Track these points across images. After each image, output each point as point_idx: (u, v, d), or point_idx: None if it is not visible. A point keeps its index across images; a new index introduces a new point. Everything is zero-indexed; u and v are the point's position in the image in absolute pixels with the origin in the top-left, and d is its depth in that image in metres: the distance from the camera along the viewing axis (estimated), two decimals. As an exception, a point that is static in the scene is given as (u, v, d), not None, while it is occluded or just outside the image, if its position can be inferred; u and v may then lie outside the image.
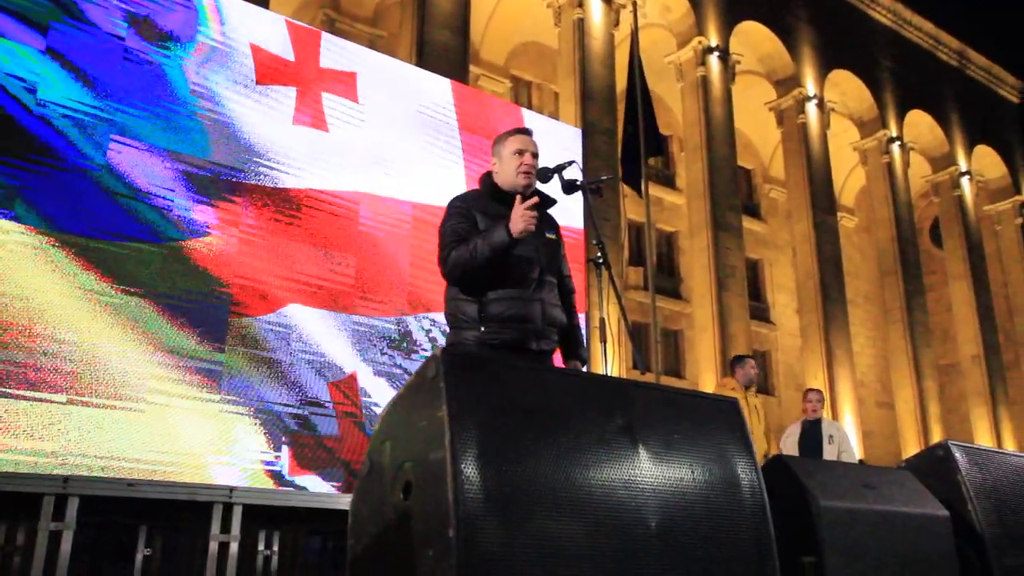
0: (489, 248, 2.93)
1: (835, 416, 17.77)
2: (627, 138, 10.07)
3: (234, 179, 5.70)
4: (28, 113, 4.99)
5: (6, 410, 4.51)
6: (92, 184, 5.11)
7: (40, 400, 4.63)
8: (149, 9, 5.62)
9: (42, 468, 4.53)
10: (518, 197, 2.98)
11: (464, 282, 3.04)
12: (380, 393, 5.92)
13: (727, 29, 19.81)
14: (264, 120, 5.96)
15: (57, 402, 4.68)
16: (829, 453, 6.86)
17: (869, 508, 2.84)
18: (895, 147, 23.39)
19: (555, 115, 17.07)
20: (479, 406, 1.98)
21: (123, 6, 5.51)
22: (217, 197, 5.58)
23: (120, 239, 5.12)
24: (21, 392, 4.58)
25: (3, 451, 4.47)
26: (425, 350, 6.30)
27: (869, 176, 23.82)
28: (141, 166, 5.31)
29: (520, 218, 2.90)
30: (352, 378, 5.88)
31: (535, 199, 2.96)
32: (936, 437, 20.41)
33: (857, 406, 19.11)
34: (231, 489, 4.96)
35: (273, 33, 6.21)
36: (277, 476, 5.35)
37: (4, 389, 4.52)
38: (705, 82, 18.97)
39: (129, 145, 5.30)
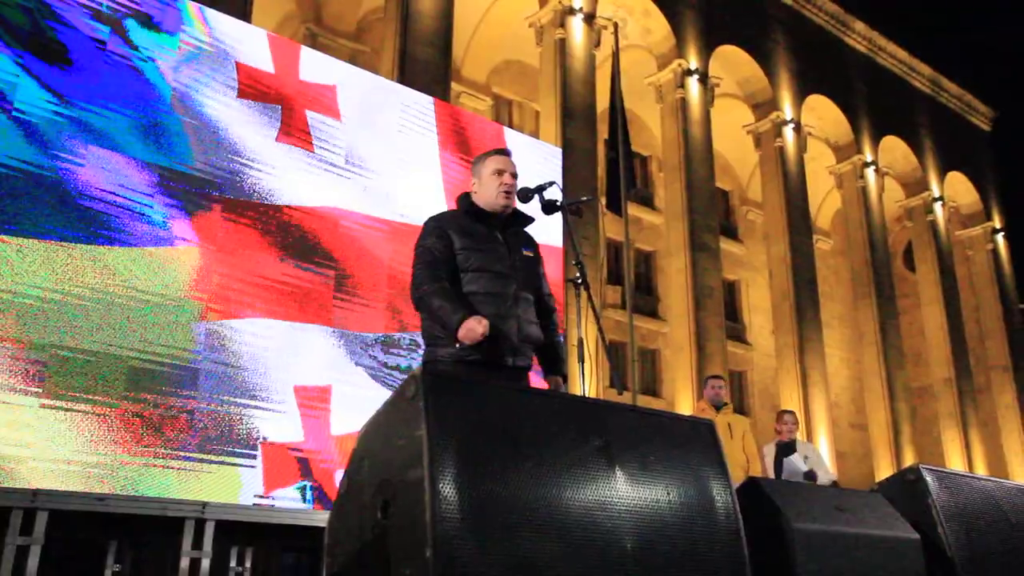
0: (443, 323, 2.95)
1: (809, 437, 17.89)
2: (609, 163, 10.22)
3: (212, 189, 5.68)
4: (4, 115, 4.95)
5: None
6: (64, 187, 5.07)
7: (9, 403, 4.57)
8: (131, 13, 5.61)
9: (9, 471, 4.46)
10: (480, 326, 2.88)
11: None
12: (355, 408, 5.89)
13: (707, 52, 20.06)
14: (245, 131, 5.95)
15: (29, 406, 4.62)
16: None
17: (842, 531, 2.87)
18: (870, 172, 23.75)
19: (535, 133, 17.16)
20: (458, 426, 1.98)
21: (103, 9, 5.49)
22: (194, 205, 5.55)
23: (91, 242, 5.09)
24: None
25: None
26: (402, 366, 6.29)
27: (844, 200, 24.14)
28: (117, 170, 5.28)
29: (467, 332, 2.86)
30: (326, 391, 5.86)
31: (481, 339, 2.87)
32: (908, 458, 20.59)
33: (831, 427, 19.26)
34: (203, 504, 4.91)
35: (254, 46, 6.22)
36: (248, 487, 5.30)
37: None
38: (684, 104, 19.18)
39: (105, 148, 5.27)
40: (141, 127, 5.45)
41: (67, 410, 4.73)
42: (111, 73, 5.43)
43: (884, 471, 20.29)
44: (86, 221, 5.09)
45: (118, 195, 5.24)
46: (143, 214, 5.31)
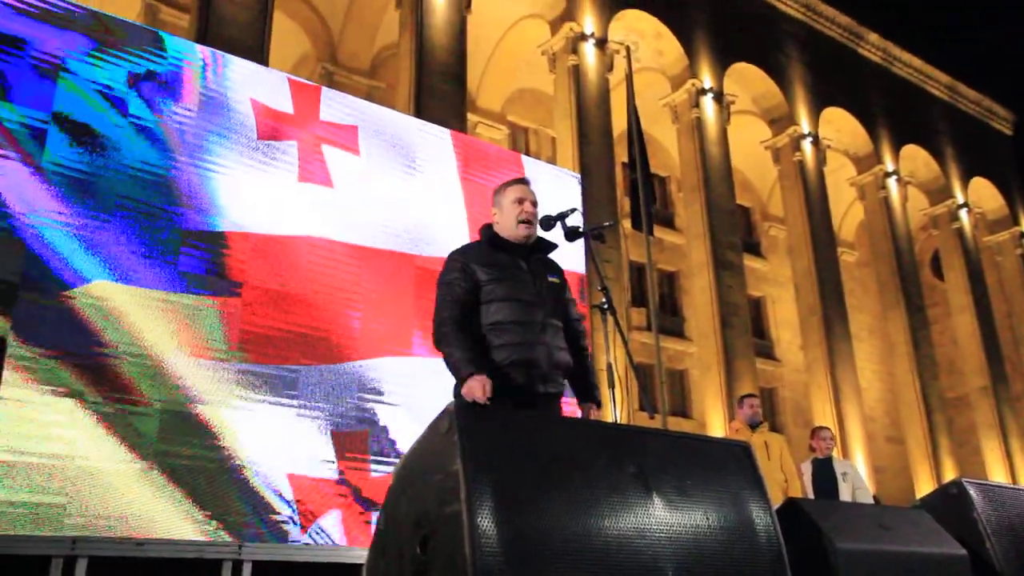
0: (454, 370, 2.93)
1: (845, 452, 17.62)
2: (632, 184, 10.30)
3: (234, 237, 5.75)
4: (36, 169, 5.06)
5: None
6: (96, 241, 5.15)
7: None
8: (150, 68, 5.72)
9: (46, 520, 4.50)
10: (481, 388, 2.79)
11: None
12: (390, 444, 5.90)
13: (720, 70, 20.10)
14: (268, 177, 6.02)
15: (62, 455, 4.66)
16: (844, 491, 6.80)
17: (886, 549, 2.81)
18: (892, 181, 23.57)
19: (553, 159, 17.25)
20: (493, 459, 1.98)
21: (124, 66, 5.60)
22: (218, 255, 5.61)
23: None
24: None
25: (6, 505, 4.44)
26: (432, 398, 6.28)
27: (868, 211, 23.95)
28: (142, 225, 5.37)
29: (468, 392, 2.79)
30: (363, 431, 5.86)
31: (483, 400, 2.78)
32: (948, 471, 20.19)
33: (867, 441, 18.96)
34: (240, 545, 4.92)
35: (274, 90, 6.31)
36: (285, 530, 5.30)
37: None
38: (700, 123, 19.19)
39: (133, 202, 5.36)
40: (159, 176, 5.54)
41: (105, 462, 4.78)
42: (134, 130, 5.53)
43: (924, 485, 19.91)
44: (118, 272, 5.18)
45: (146, 249, 5.32)
46: (175, 266, 5.38)
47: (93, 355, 4.90)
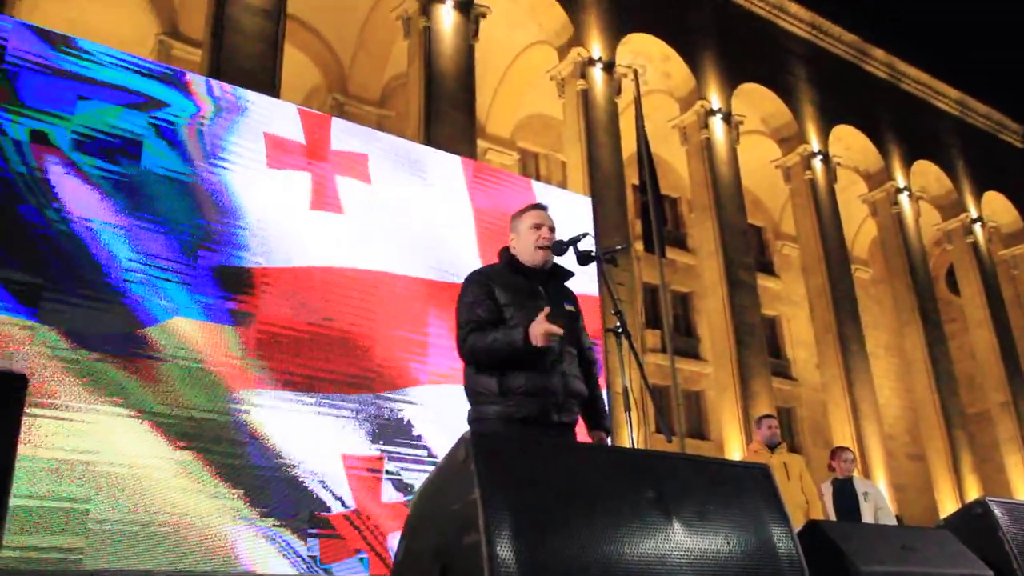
0: (507, 347, 2.95)
1: (866, 471, 17.41)
2: (643, 207, 10.34)
3: (250, 269, 5.79)
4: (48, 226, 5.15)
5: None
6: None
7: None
8: (162, 111, 5.81)
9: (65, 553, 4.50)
10: (546, 323, 2.88)
11: (482, 367, 3.07)
12: (406, 474, 5.88)
13: (728, 91, 20.17)
14: (279, 205, 6.08)
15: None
16: (866, 511, 6.71)
17: (911, 571, 2.77)
18: (904, 197, 23.48)
19: (563, 184, 17.30)
20: (510, 487, 1.97)
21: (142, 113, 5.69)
22: (238, 290, 5.66)
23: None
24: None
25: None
26: (447, 426, 6.27)
27: (880, 227, 23.85)
28: (166, 256, 5.43)
29: (541, 334, 2.86)
30: (379, 459, 5.85)
31: (559, 331, 2.88)
32: (971, 488, 19.91)
33: (887, 459, 18.74)
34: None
35: (285, 121, 6.38)
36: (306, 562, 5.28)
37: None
38: (710, 144, 19.23)
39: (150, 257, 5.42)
40: (178, 201, 5.61)
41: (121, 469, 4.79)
42: (145, 179, 5.61)
43: (947, 503, 19.63)
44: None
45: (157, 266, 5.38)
46: (184, 284, 5.43)
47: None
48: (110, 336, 5.07)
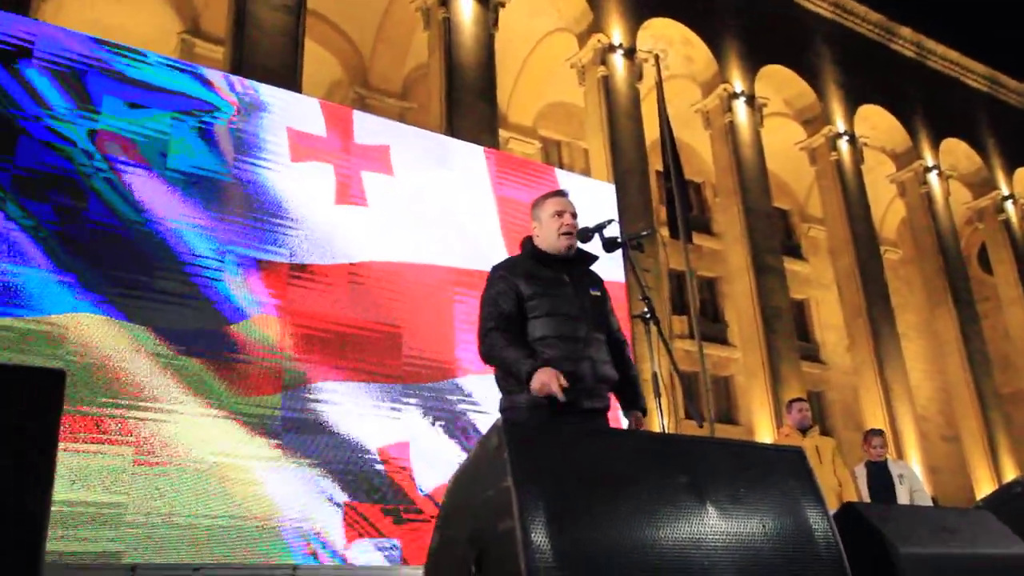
0: (514, 369, 2.94)
1: (899, 454, 17.23)
2: (667, 193, 10.27)
3: (277, 261, 5.84)
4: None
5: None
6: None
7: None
8: (192, 107, 5.87)
9: (107, 525, 4.58)
10: (555, 379, 2.82)
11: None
12: (436, 460, 5.91)
13: (751, 74, 19.94)
14: (306, 200, 6.11)
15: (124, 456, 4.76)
16: (901, 493, 6.65)
17: (952, 553, 2.74)
18: (932, 176, 23.10)
19: (586, 171, 17.22)
20: (544, 474, 1.97)
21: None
22: (262, 273, 5.71)
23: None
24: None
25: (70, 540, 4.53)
26: (479, 412, 6.29)
27: (909, 207, 23.50)
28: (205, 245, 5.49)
29: (540, 387, 2.82)
30: (404, 446, 5.89)
31: (561, 396, 2.80)
32: (1008, 469, 19.64)
33: (921, 441, 18.53)
34: (294, 567, 4.96)
35: (308, 115, 6.41)
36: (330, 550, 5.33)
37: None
38: (733, 127, 19.04)
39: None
40: (204, 200, 5.66)
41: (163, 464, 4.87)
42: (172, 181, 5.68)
43: (983, 483, 19.38)
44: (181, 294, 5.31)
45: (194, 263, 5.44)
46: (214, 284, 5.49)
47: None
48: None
